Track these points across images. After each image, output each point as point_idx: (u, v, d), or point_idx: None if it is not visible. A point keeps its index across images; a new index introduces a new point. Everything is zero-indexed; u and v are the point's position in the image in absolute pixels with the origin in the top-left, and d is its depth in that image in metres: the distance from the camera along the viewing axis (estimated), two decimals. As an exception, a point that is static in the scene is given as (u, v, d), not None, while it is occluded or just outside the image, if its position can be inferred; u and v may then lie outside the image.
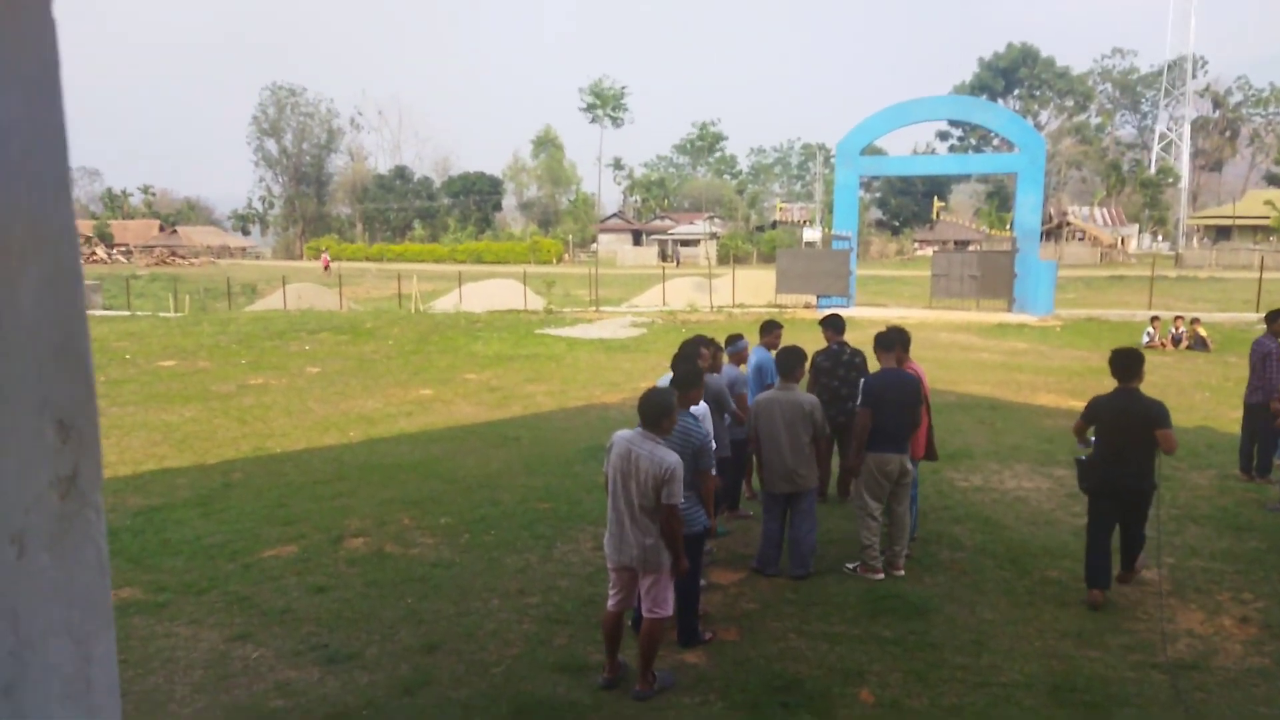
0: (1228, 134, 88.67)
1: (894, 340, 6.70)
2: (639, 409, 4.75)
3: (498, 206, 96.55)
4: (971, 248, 47.30)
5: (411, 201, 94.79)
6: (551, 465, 9.65)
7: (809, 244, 58.79)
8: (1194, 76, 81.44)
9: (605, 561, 5.00)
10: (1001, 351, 19.38)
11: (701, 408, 5.86)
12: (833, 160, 33.87)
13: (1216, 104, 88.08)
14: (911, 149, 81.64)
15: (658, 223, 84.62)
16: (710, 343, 6.90)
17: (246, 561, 6.79)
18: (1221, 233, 68.34)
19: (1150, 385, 15.82)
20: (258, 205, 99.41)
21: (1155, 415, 5.78)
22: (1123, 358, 5.98)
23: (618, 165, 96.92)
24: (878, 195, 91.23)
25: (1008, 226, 37.31)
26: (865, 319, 21.35)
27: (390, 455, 10.16)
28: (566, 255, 77.03)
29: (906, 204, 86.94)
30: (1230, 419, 11.03)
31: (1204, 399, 13.62)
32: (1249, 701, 4.71)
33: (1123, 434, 5.88)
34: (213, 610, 5.92)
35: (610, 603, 4.93)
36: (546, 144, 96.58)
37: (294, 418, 12.40)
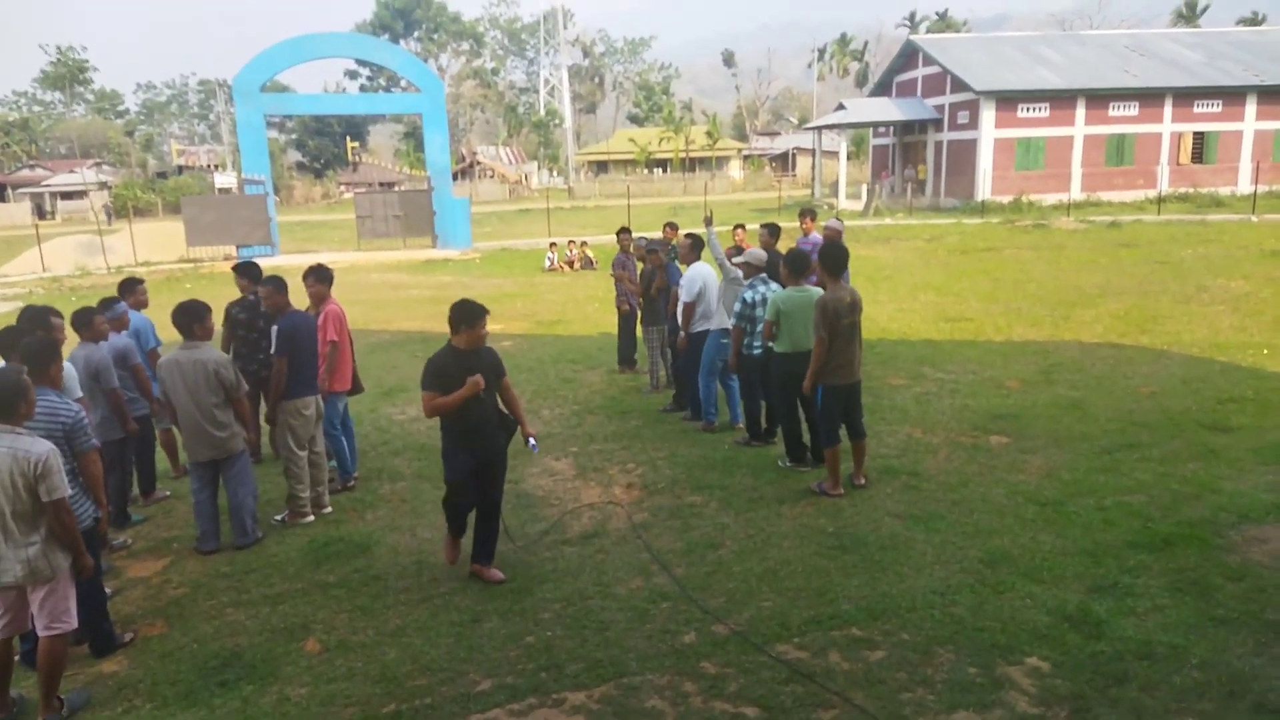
0: (597, 80, 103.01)
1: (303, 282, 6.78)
2: (-21, 398, 3.89)
3: None
4: (397, 188, 48.17)
5: None
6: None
7: (224, 190, 54.08)
8: (565, 28, 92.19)
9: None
10: (430, 286, 20.27)
11: (69, 372, 5.10)
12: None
13: (585, 53, 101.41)
14: (323, 88, 79.15)
15: (27, 173, 69.80)
16: (58, 314, 5.67)
17: None
18: (601, 167, 79.93)
19: (551, 303, 17.89)
20: None
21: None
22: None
23: (-47, 102, 77.09)
24: (294, 136, 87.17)
25: (425, 167, 38.70)
26: (294, 266, 20.42)
27: None
28: (-111, 218, 59.31)
29: (326, 145, 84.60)
30: (613, 324, 13.08)
31: (595, 309, 15.96)
32: (635, 552, 5.73)
33: None
34: None
35: (-10, 633, 4.07)
36: None
37: None
